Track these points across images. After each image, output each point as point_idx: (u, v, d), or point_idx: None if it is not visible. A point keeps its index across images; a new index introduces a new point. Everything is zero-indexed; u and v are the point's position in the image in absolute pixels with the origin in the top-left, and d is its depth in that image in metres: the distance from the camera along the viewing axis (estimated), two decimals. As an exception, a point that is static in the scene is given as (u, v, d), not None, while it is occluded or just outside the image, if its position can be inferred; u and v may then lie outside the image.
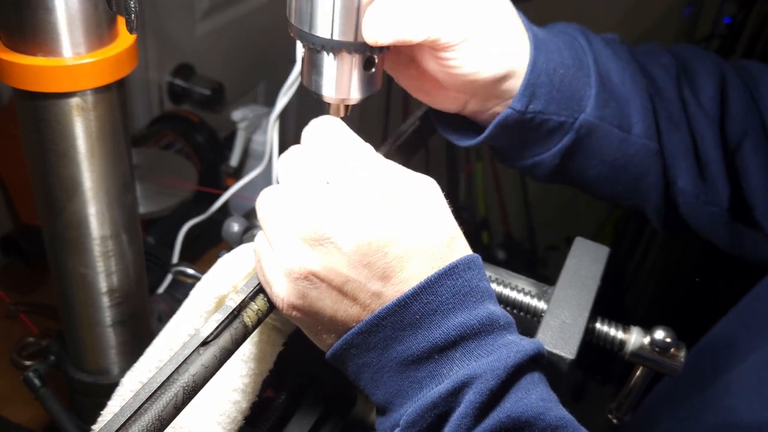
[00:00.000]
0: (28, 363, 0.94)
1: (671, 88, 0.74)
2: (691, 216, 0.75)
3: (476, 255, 0.52)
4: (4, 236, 1.08)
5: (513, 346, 0.48)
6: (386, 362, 0.49)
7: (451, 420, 0.47)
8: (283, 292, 0.50)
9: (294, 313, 0.51)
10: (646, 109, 0.70)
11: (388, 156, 0.56)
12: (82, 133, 0.57)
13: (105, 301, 0.66)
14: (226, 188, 1.09)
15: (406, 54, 0.64)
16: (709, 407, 0.68)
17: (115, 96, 0.58)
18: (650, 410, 0.77)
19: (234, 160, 1.38)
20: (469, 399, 0.46)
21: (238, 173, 1.39)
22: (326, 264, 0.48)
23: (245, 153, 1.39)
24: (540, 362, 0.50)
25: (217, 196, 1.05)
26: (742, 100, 0.74)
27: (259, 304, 0.52)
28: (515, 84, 0.64)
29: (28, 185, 0.62)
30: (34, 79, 0.53)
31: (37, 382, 0.73)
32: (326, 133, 0.53)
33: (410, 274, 0.49)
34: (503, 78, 0.63)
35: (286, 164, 0.53)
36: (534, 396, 0.48)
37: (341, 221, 0.48)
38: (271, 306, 0.54)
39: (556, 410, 0.48)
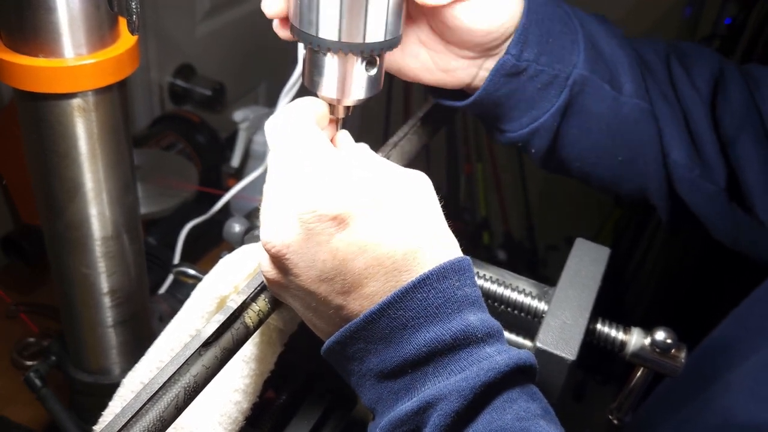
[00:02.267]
0: (29, 363, 0.94)
1: (660, 64, 0.75)
2: (688, 193, 0.74)
3: (460, 258, 0.50)
4: (4, 236, 1.08)
5: (486, 362, 0.46)
6: (366, 371, 0.49)
7: None
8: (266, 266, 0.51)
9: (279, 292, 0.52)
10: (635, 72, 0.71)
11: (388, 157, 0.56)
12: (83, 133, 0.57)
13: (106, 301, 0.66)
14: (227, 189, 1.09)
15: (417, 36, 0.65)
16: (709, 408, 0.68)
17: (116, 97, 0.58)
18: (650, 411, 0.77)
19: (235, 161, 1.38)
20: (434, 421, 0.45)
21: (239, 174, 1.39)
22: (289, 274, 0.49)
23: (246, 153, 1.39)
24: (524, 375, 0.48)
25: (218, 197, 1.05)
26: (741, 95, 0.75)
27: (260, 305, 0.52)
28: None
29: (29, 185, 0.62)
30: (35, 80, 0.53)
31: (38, 382, 0.73)
32: (296, 131, 0.52)
33: (374, 290, 0.48)
34: (508, 29, 0.65)
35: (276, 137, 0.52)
36: (509, 416, 0.46)
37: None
38: (273, 307, 0.54)
39: (535, 428, 0.46)
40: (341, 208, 0.47)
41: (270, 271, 0.51)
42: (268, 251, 0.49)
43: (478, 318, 0.48)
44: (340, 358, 0.50)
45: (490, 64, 0.67)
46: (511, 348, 0.49)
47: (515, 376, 0.47)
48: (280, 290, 0.52)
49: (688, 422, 0.71)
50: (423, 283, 0.47)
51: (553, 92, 0.69)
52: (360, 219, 0.48)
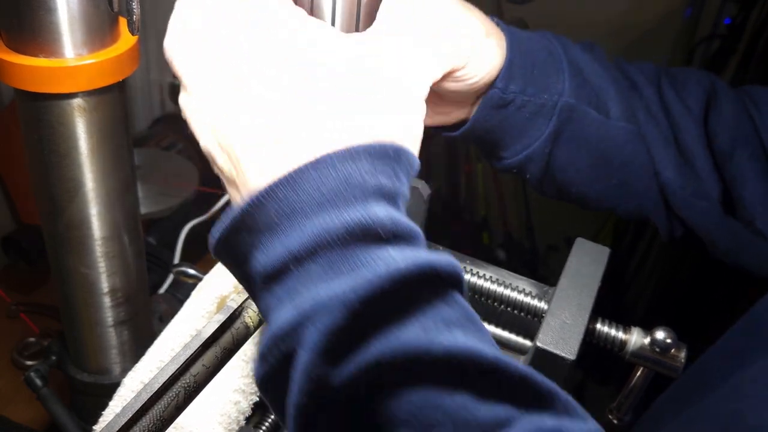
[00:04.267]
0: (29, 363, 0.94)
1: (649, 85, 0.76)
2: (684, 211, 0.75)
3: (383, 145, 0.41)
4: (5, 236, 1.08)
5: (383, 263, 0.37)
6: (254, 274, 0.41)
7: (295, 364, 0.36)
8: None
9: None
10: (621, 95, 0.73)
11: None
12: (83, 133, 0.57)
13: (106, 301, 0.66)
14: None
15: None
16: (715, 412, 0.68)
17: (116, 96, 0.58)
18: (655, 415, 0.77)
19: (235, 161, 1.38)
20: (310, 341, 0.36)
21: (238, 173, 1.39)
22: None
23: (246, 153, 1.39)
24: (435, 279, 0.39)
25: (218, 197, 1.05)
26: (734, 111, 0.76)
27: (260, 304, 0.52)
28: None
29: (28, 185, 0.62)
30: (35, 80, 0.53)
31: (38, 381, 0.73)
32: None
33: (264, 167, 0.41)
34: (496, 69, 0.65)
35: None
36: (413, 328, 0.37)
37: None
38: (272, 306, 0.54)
39: (446, 339, 0.37)
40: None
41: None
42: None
43: (387, 214, 0.39)
44: (226, 261, 0.43)
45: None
46: (425, 251, 0.40)
47: (423, 285, 0.38)
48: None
49: (693, 425, 0.70)
50: (323, 162, 0.39)
51: (542, 120, 0.70)
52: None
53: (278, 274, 0.39)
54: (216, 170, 0.45)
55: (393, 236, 0.39)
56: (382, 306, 0.36)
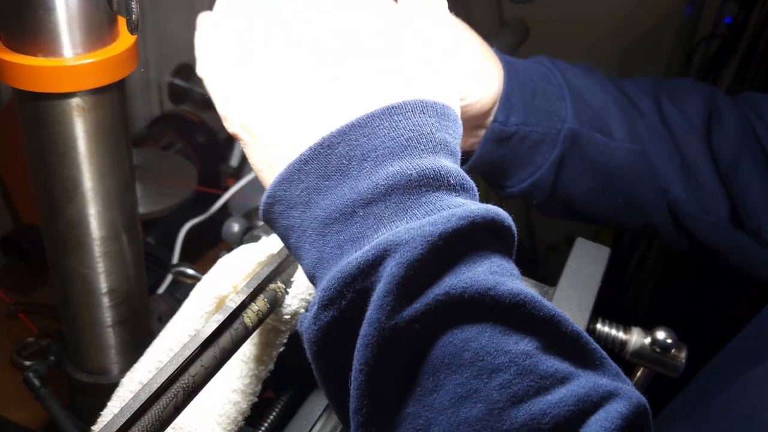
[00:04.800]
0: (27, 363, 0.94)
1: (648, 102, 0.76)
2: (692, 226, 0.76)
3: (446, 106, 0.43)
4: (4, 236, 1.08)
5: (458, 208, 0.38)
6: (309, 222, 0.40)
7: (373, 299, 0.37)
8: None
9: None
10: (623, 115, 0.73)
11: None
12: (82, 133, 0.57)
13: (105, 301, 0.66)
14: (226, 188, 1.09)
15: None
16: (728, 408, 0.68)
17: (115, 96, 0.58)
18: (667, 414, 0.77)
19: (234, 161, 1.38)
20: (391, 272, 0.36)
21: (238, 173, 1.39)
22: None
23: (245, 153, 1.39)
24: (498, 232, 0.40)
25: (217, 197, 1.05)
26: (736, 122, 0.76)
27: (259, 304, 0.52)
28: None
29: (28, 185, 0.62)
30: (34, 80, 0.53)
31: (36, 382, 0.73)
32: None
33: (335, 112, 0.40)
34: (491, 100, 0.68)
35: None
36: (482, 268, 0.38)
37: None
38: (272, 307, 0.54)
39: (511, 284, 0.38)
40: None
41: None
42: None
43: (454, 167, 0.41)
44: (282, 209, 0.42)
45: (482, 132, 0.70)
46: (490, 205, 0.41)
47: (491, 234, 0.40)
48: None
49: (706, 421, 0.70)
50: (395, 110, 0.40)
51: (546, 149, 0.71)
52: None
53: (343, 217, 0.39)
54: (258, 127, 0.43)
55: (461, 188, 0.40)
56: (457, 245, 0.37)
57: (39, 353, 0.93)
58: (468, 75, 0.64)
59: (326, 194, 0.39)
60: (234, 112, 0.45)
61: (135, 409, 0.42)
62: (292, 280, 0.60)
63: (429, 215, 0.38)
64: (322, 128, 0.40)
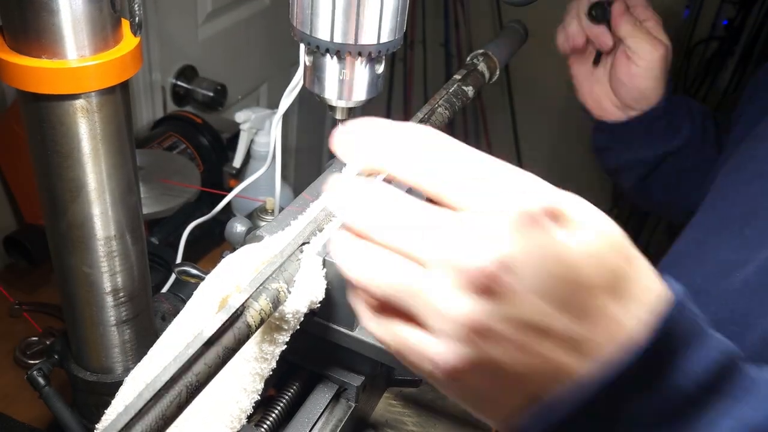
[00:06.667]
0: (31, 362, 0.95)
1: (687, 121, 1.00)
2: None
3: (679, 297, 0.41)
4: (8, 236, 1.09)
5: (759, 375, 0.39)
6: (640, 417, 0.37)
7: None
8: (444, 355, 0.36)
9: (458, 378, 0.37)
10: (695, 123, 0.99)
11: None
12: (86, 134, 0.57)
13: (109, 300, 0.66)
14: (229, 189, 1.09)
15: (597, 79, 0.97)
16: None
17: (119, 98, 0.58)
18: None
19: (237, 162, 1.38)
20: None
21: (240, 174, 1.40)
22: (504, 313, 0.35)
23: (248, 154, 1.40)
24: None
25: (220, 197, 1.06)
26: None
27: (262, 304, 0.53)
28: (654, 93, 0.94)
29: (32, 185, 0.62)
30: (38, 81, 0.54)
31: (40, 380, 0.73)
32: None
33: (618, 312, 0.36)
34: (646, 94, 0.94)
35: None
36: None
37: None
38: (274, 306, 0.54)
39: None
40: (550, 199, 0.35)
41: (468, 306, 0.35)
42: (472, 273, 0.34)
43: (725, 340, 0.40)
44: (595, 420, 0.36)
45: (632, 113, 0.96)
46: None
47: None
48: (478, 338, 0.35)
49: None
50: (684, 294, 0.38)
51: (667, 137, 0.96)
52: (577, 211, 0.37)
53: (680, 410, 0.37)
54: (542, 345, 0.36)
55: (740, 356, 0.40)
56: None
57: (43, 352, 0.94)
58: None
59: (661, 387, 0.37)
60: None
61: (139, 407, 0.43)
62: (294, 279, 0.60)
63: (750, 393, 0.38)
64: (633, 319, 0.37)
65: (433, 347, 0.36)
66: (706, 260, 0.75)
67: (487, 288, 0.33)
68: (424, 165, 0.37)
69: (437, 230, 0.35)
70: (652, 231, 1.89)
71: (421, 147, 0.37)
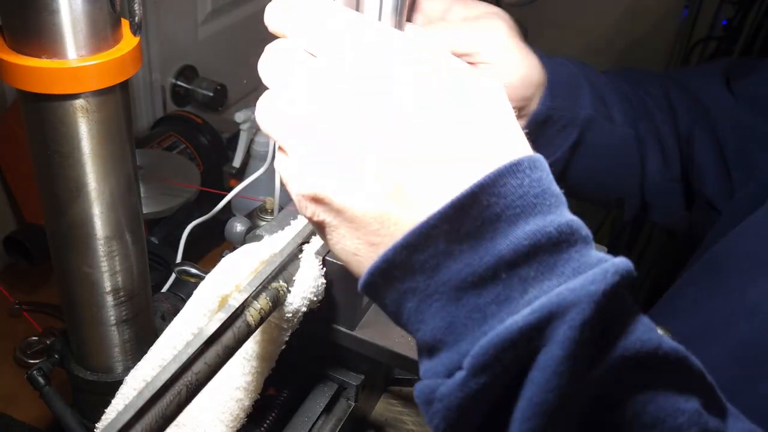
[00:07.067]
0: (32, 361, 0.95)
1: (634, 89, 0.90)
2: (656, 194, 0.90)
3: (539, 155, 0.41)
4: (8, 235, 1.09)
5: (605, 263, 0.37)
6: (437, 286, 0.38)
7: (539, 364, 0.35)
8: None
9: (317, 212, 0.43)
10: (621, 102, 0.86)
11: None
12: (86, 134, 0.57)
13: (109, 300, 0.66)
14: (229, 189, 1.09)
15: None
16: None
17: (118, 98, 0.58)
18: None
19: (237, 161, 1.38)
20: (565, 335, 0.35)
21: (240, 174, 1.40)
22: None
23: (248, 154, 1.40)
24: (632, 282, 0.39)
25: (220, 197, 1.06)
26: (684, 98, 0.91)
27: (262, 303, 0.53)
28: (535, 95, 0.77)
29: (31, 185, 0.62)
30: (38, 81, 0.54)
31: (41, 380, 0.74)
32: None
33: (457, 178, 0.38)
34: (533, 86, 0.76)
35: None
36: (641, 326, 0.37)
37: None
38: (274, 305, 0.54)
39: (668, 340, 0.38)
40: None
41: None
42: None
43: (576, 219, 0.39)
44: (400, 274, 0.39)
45: (521, 122, 0.78)
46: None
47: (629, 286, 0.39)
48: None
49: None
50: (517, 167, 0.38)
51: (569, 131, 0.81)
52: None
53: (482, 282, 0.37)
54: (359, 205, 0.40)
55: (589, 238, 0.39)
56: (615, 302, 0.36)
57: (43, 352, 0.94)
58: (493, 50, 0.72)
59: (459, 258, 0.38)
60: (327, 193, 0.42)
61: (139, 406, 0.43)
62: (294, 279, 0.60)
63: (578, 272, 0.37)
64: (449, 189, 0.38)
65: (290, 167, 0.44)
66: None
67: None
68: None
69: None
70: (652, 230, 1.89)
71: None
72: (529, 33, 1.00)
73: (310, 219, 0.44)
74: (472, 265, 0.37)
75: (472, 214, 0.37)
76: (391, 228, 0.40)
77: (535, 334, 0.35)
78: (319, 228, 0.44)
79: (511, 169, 0.38)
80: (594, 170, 0.85)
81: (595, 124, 0.81)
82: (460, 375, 0.37)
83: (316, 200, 0.42)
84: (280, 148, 0.45)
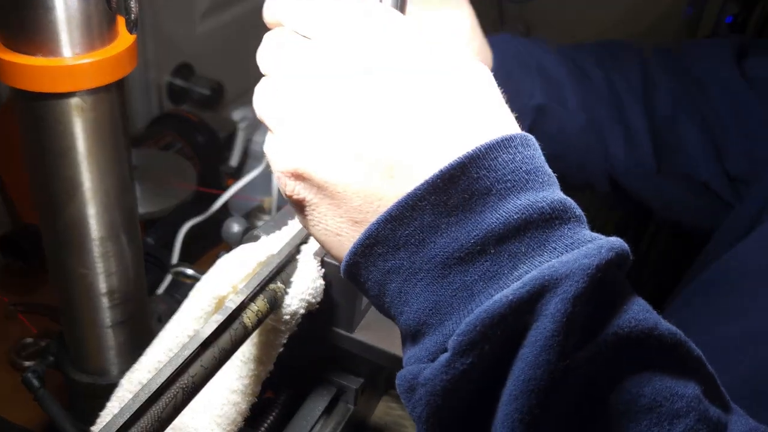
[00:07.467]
0: (26, 363, 0.94)
1: (597, 70, 0.88)
2: (625, 180, 0.88)
3: (532, 136, 0.41)
4: (2, 236, 1.08)
5: (599, 240, 0.36)
6: (422, 263, 0.37)
7: (530, 340, 0.34)
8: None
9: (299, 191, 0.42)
10: (576, 86, 0.84)
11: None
12: (81, 133, 0.57)
13: (104, 301, 0.66)
14: (225, 188, 1.09)
15: None
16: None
17: (114, 96, 0.58)
18: None
19: (234, 161, 1.38)
20: (556, 309, 0.33)
21: (237, 173, 1.39)
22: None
23: (245, 153, 1.39)
24: (626, 262, 0.38)
25: (216, 197, 1.05)
26: (668, 78, 0.88)
27: (258, 305, 0.52)
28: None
29: (26, 185, 0.61)
30: (33, 79, 0.53)
31: (35, 382, 0.73)
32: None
33: (450, 145, 0.37)
34: None
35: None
36: (636, 306, 0.36)
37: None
38: (271, 307, 0.54)
39: (665, 322, 0.36)
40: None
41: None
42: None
43: (569, 199, 0.38)
44: (384, 250, 0.38)
45: None
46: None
47: (623, 265, 0.38)
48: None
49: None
50: (509, 142, 0.37)
51: (521, 122, 0.77)
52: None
53: (470, 257, 0.36)
54: (343, 180, 0.39)
55: (582, 218, 0.38)
56: (608, 278, 0.35)
57: (38, 354, 0.93)
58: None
59: (446, 232, 0.36)
60: (308, 168, 0.41)
61: (134, 409, 0.42)
62: (291, 280, 0.59)
63: (570, 248, 0.36)
64: (436, 162, 0.37)
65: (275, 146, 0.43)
66: None
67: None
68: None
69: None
70: (656, 231, 1.89)
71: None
72: (530, 32, 1.00)
73: (290, 197, 0.42)
74: (459, 240, 0.36)
75: (461, 186, 0.36)
76: (375, 204, 0.38)
77: (525, 307, 0.34)
78: (299, 208, 0.43)
79: (503, 144, 0.37)
80: (554, 157, 0.84)
81: (548, 111, 0.81)
82: (444, 356, 0.35)
83: (297, 176, 0.41)
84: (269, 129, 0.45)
